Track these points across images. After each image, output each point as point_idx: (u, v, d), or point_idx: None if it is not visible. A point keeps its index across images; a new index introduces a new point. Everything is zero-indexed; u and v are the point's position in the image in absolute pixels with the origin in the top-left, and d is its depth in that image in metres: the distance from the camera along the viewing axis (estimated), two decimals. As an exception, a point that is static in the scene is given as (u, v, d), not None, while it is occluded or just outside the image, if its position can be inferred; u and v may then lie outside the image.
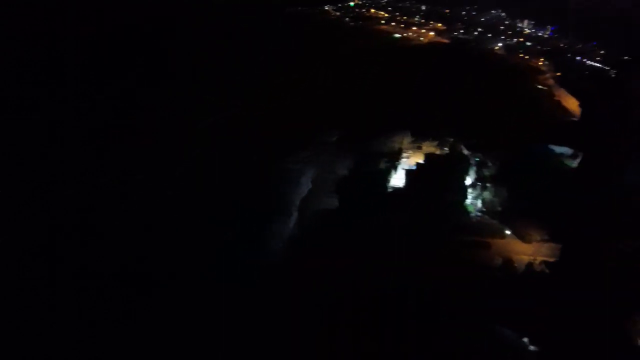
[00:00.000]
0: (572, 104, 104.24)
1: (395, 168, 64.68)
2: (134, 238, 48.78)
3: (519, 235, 57.73)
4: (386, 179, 62.13)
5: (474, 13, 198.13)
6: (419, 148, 69.74)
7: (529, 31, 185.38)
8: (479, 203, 61.32)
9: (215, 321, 39.99)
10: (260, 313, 40.64)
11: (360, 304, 42.21)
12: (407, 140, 70.99)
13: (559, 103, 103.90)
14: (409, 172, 61.60)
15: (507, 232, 57.95)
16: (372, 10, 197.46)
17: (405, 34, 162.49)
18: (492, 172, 64.95)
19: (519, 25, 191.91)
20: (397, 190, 60.84)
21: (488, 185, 62.45)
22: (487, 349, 40.07)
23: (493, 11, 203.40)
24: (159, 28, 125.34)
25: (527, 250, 56.05)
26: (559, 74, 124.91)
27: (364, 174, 62.66)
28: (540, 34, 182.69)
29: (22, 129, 66.28)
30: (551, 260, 54.58)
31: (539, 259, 54.42)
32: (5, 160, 58.95)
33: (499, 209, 60.51)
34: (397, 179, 63.24)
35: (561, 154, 75.32)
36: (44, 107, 74.40)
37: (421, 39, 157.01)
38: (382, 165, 64.66)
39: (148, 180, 59.47)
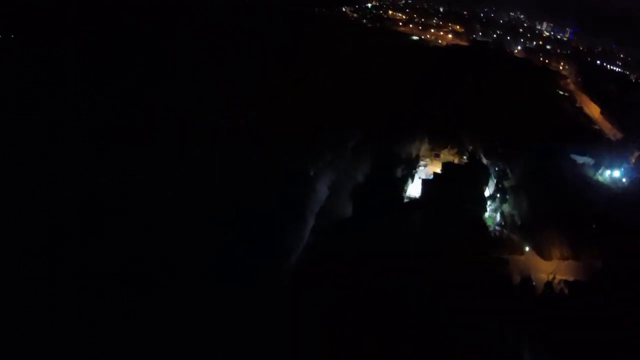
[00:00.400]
0: (594, 110, 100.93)
1: (412, 177, 62.12)
2: (134, 238, 47.92)
3: (539, 251, 55.38)
4: (402, 189, 59.56)
5: (492, 15, 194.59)
6: (437, 156, 67.38)
7: (548, 33, 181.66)
8: (498, 216, 58.67)
9: (216, 321, 39.47)
10: (260, 313, 40.14)
11: (362, 304, 41.95)
12: (424, 147, 68.35)
13: (580, 110, 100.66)
14: (425, 182, 58.94)
15: (527, 248, 55.46)
16: (390, 12, 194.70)
17: (423, 36, 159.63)
18: (512, 183, 62.14)
19: (538, 27, 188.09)
20: (413, 201, 58.31)
21: (508, 197, 59.64)
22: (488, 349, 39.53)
23: (512, 13, 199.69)
24: (159, 28, 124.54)
25: (548, 268, 53.79)
26: (580, 78, 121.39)
27: (381, 183, 60.08)
28: (559, 36, 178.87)
29: (22, 129, 65.30)
30: (571, 279, 52.46)
31: (559, 277, 52.26)
32: (5, 160, 58.03)
33: (519, 222, 57.88)
34: (414, 189, 60.78)
35: (583, 164, 72.78)
36: (44, 107, 73.45)
37: (439, 41, 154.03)
38: (399, 173, 61.99)
39: (148, 180, 58.26)
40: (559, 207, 58.25)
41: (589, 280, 52.27)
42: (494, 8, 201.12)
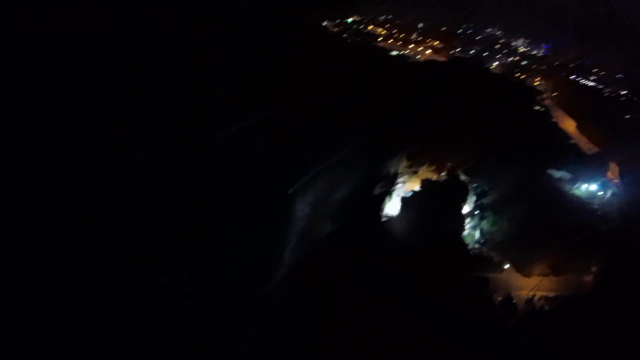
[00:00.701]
0: (570, 125, 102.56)
1: (390, 194, 61.50)
2: (133, 238, 48.33)
3: (519, 268, 55.28)
4: (380, 208, 58.92)
5: (470, 31, 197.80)
6: (415, 173, 66.83)
7: (524, 49, 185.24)
8: (477, 234, 58.39)
9: (215, 322, 40.91)
10: (258, 315, 42.21)
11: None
12: (403, 164, 67.74)
13: (556, 125, 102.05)
14: (404, 200, 58.40)
15: (506, 265, 55.25)
16: (370, 27, 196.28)
17: (402, 51, 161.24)
18: (490, 199, 62.09)
19: (514, 43, 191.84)
20: (392, 219, 57.74)
21: (487, 214, 59.56)
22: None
23: (489, 29, 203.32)
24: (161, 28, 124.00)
25: (528, 285, 53.61)
26: (555, 93, 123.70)
27: (359, 202, 59.39)
28: (534, 52, 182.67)
29: (22, 128, 64.23)
30: (551, 295, 52.53)
31: (539, 294, 52.23)
32: (5, 160, 57.31)
33: (498, 240, 57.76)
34: (392, 207, 60.18)
35: (560, 179, 73.39)
36: (44, 107, 72.37)
37: (418, 57, 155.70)
38: (377, 191, 61.32)
39: (148, 180, 57.74)
40: (538, 223, 58.55)
41: (570, 295, 52.57)
42: (472, 24, 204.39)
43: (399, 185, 64.37)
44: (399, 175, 65.99)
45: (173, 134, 69.76)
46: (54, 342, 37.37)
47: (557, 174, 73.41)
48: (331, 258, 50.56)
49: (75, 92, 78.24)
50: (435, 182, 64.26)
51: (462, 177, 65.36)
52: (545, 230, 57.99)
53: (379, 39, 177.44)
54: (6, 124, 64.17)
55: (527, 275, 54.60)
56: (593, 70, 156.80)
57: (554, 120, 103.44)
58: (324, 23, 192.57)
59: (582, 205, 68.70)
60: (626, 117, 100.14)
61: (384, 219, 58.48)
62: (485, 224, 59.27)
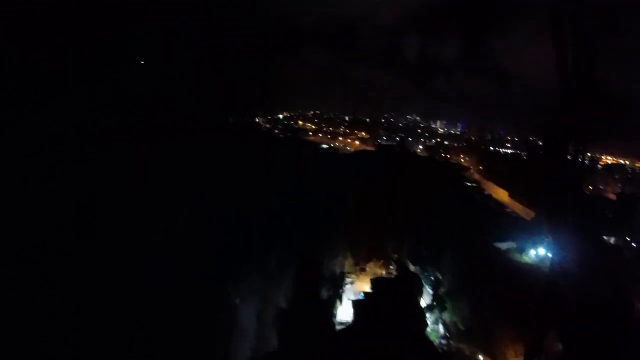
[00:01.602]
0: (503, 195, 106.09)
1: (340, 298, 55.98)
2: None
3: (493, 355, 51.32)
4: (332, 314, 52.98)
5: (392, 120, 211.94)
6: (363, 270, 62.56)
7: (442, 131, 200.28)
8: (441, 328, 53.71)
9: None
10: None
11: None
12: (348, 263, 63.31)
13: (490, 197, 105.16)
14: (356, 304, 52.86)
15: (480, 356, 50.78)
16: (300, 122, 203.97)
17: (332, 144, 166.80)
18: (446, 288, 58.53)
19: (433, 126, 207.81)
20: (348, 326, 51.71)
21: (446, 304, 55.57)
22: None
23: (409, 116, 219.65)
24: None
25: None
26: (481, 166, 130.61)
27: (307, 308, 53.33)
28: (452, 131, 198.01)
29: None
30: None
31: None
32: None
33: (464, 329, 53.42)
34: (344, 312, 54.42)
35: (508, 251, 72.67)
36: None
37: (348, 148, 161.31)
38: (325, 295, 55.65)
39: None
40: (498, 301, 55.78)
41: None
42: (393, 113, 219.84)
43: (347, 287, 59.32)
44: (347, 275, 61.28)
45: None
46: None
47: (504, 246, 72.82)
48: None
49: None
50: (386, 279, 59.87)
51: (413, 268, 61.71)
52: (508, 307, 55.31)
53: (309, 134, 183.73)
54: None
55: (505, 360, 50.74)
56: (508, 138, 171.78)
57: (487, 193, 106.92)
58: (257, 120, 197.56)
59: (534, 271, 67.60)
60: (547, 177, 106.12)
61: (338, 327, 52.17)
62: (447, 315, 54.90)
